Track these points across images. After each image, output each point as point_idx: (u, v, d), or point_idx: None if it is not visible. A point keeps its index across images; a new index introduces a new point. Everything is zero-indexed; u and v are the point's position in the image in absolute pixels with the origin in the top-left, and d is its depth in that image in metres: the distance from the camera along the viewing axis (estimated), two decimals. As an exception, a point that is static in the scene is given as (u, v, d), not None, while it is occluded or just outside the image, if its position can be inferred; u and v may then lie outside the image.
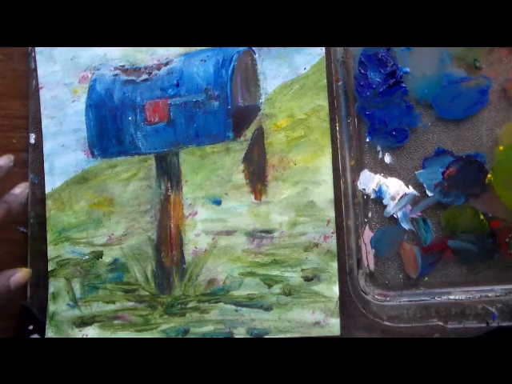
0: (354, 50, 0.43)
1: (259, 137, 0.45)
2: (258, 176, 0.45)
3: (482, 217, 0.41)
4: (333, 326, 0.43)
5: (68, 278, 0.48)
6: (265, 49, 0.45)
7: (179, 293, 0.46)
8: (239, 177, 0.45)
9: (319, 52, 0.44)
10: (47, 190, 0.48)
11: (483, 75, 0.42)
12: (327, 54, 0.44)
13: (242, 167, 0.45)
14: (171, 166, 0.46)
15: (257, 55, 0.45)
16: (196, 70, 0.46)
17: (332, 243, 0.43)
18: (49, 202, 0.48)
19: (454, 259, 0.42)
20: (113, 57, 0.48)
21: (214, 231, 0.45)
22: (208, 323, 0.45)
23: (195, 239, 0.46)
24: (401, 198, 0.43)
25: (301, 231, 0.44)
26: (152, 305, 0.46)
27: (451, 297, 0.42)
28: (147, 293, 0.46)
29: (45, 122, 0.49)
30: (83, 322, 0.47)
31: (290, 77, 0.45)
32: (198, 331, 0.45)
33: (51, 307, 0.48)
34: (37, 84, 0.49)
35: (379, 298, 0.43)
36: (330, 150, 0.44)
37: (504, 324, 0.40)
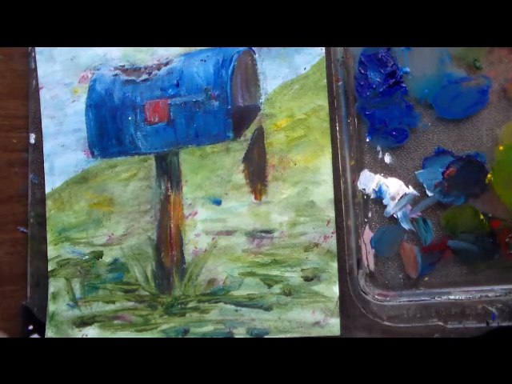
0: (354, 50, 0.43)
1: (259, 137, 0.45)
2: (258, 176, 0.45)
3: (482, 217, 0.41)
4: (333, 326, 0.43)
5: (68, 278, 0.48)
6: (265, 49, 0.45)
7: (179, 293, 0.46)
8: (239, 177, 0.45)
9: (319, 52, 0.44)
10: (47, 190, 0.48)
11: (483, 75, 0.42)
12: (327, 54, 0.44)
13: (242, 167, 0.45)
14: (171, 166, 0.46)
15: (257, 55, 0.45)
16: (196, 69, 0.46)
17: (332, 243, 0.43)
18: (49, 202, 0.48)
19: (454, 259, 0.42)
20: (113, 57, 0.48)
21: (214, 231, 0.45)
22: (208, 323, 0.45)
23: (195, 239, 0.46)
24: (401, 198, 0.43)
25: (301, 231, 0.44)
26: (152, 305, 0.46)
27: (451, 297, 0.42)
28: (147, 293, 0.46)
29: (45, 122, 0.49)
30: (83, 322, 0.47)
31: (289, 77, 0.45)
32: (198, 331, 0.45)
33: (51, 307, 0.48)
34: (37, 84, 0.49)
35: (379, 297, 0.43)
36: (330, 149, 0.44)
37: (504, 324, 0.40)
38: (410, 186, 0.43)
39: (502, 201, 0.41)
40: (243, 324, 0.45)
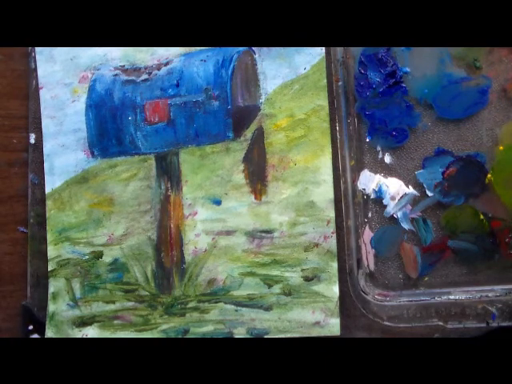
0: (354, 50, 0.43)
1: (259, 137, 0.45)
2: (258, 176, 0.45)
3: (482, 217, 0.41)
4: (333, 326, 0.43)
5: (68, 278, 0.48)
6: (265, 49, 0.45)
7: (179, 293, 0.46)
8: (239, 177, 0.45)
9: (319, 52, 0.44)
10: (47, 190, 0.48)
11: (483, 75, 0.42)
12: (327, 54, 0.44)
13: (242, 167, 0.45)
14: (171, 166, 0.46)
15: (257, 55, 0.45)
16: (196, 69, 0.46)
17: (332, 243, 0.43)
18: (49, 202, 0.48)
19: (453, 259, 0.42)
20: (113, 57, 0.48)
21: (214, 231, 0.45)
22: (208, 323, 0.45)
23: (195, 239, 0.46)
24: (401, 198, 0.43)
25: (301, 231, 0.44)
26: (152, 305, 0.46)
27: (451, 297, 0.42)
28: (147, 293, 0.46)
29: (45, 122, 0.49)
30: (83, 322, 0.47)
31: (289, 77, 0.45)
32: (197, 331, 0.45)
33: (51, 307, 0.48)
34: (37, 84, 0.49)
35: (379, 297, 0.43)
36: (330, 149, 0.44)
37: (504, 324, 0.40)
38: (410, 186, 0.43)
39: (502, 201, 0.41)
40: (243, 324, 0.45)
